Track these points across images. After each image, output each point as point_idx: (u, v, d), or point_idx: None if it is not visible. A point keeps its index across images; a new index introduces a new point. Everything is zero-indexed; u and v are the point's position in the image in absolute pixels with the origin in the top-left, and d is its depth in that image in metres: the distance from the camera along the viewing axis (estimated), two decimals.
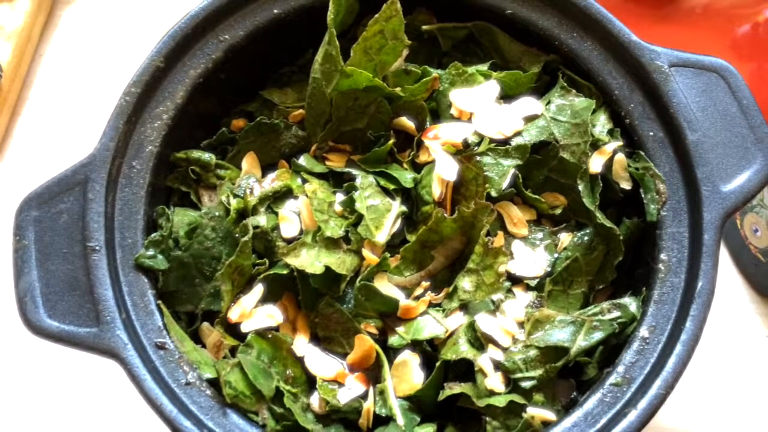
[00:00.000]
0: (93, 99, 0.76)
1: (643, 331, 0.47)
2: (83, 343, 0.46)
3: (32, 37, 0.77)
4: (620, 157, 0.52)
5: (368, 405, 0.49)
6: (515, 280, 0.53)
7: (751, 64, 0.74)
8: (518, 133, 0.53)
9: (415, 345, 0.50)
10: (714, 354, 0.66)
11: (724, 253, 0.69)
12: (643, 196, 0.51)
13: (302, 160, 0.55)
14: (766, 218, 0.63)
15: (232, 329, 0.51)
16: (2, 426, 0.66)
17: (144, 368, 0.46)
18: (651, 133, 0.51)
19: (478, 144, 0.53)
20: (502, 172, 0.52)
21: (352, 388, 0.50)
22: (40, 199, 0.49)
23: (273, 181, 0.54)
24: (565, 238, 0.53)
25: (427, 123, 0.55)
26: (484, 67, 0.56)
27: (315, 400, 0.50)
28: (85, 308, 0.47)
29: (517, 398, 0.47)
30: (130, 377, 0.45)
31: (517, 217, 0.53)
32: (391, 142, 0.54)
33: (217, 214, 0.52)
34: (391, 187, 0.53)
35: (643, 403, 0.44)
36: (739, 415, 0.65)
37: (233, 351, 0.50)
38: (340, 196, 0.53)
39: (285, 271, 0.50)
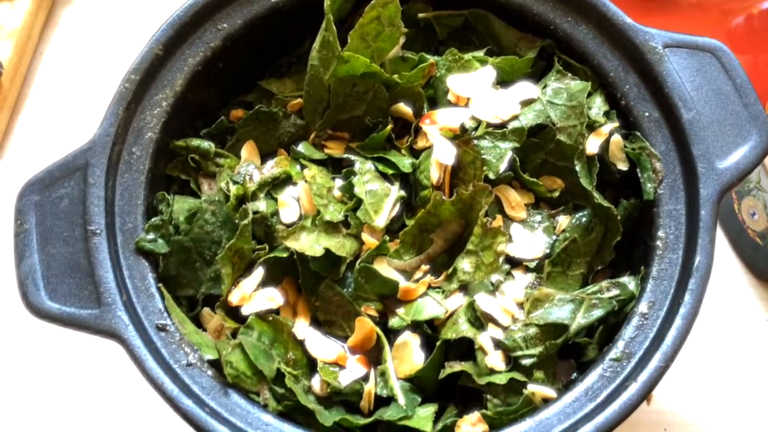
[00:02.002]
0: (92, 97, 0.76)
1: (642, 307, 0.47)
2: (85, 325, 0.46)
3: (32, 35, 0.77)
4: (616, 138, 0.52)
5: (369, 387, 0.49)
6: (514, 262, 0.53)
7: (746, 56, 0.74)
8: (515, 117, 0.54)
9: (416, 326, 0.50)
10: (714, 339, 0.66)
11: (722, 238, 0.70)
12: (639, 175, 0.51)
13: (301, 147, 0.55)
14: (764, 202, 0.63)
15: (233, 313, 0.51)
16: (4, 409, 0.66)
17: (145, 349, 0.46)
18: (646, 114, 0.52)
19: (476, 128, 0.54)
20: (500, 155, 0.53)
21: (353, 370, 0.50)
22: (41, 184, 0.49)
23: (272, 168, 0.55)
24: (564, 220, 0.54)
25: (425, 109, 0.56)
26: (480, 53, 0.56)
27: (316, 383, 0.50)
28: (86, 290, 0.47)
29: (518, 376, 0.47)
30: (132, 357, 0.46)
31: (515, 200, 0.54)
32: (389, 128, 0.54)
33: (217, 199, 0.52)
34: (390, 172, 0.54)
35: (643, 376, 0.44)
36: (740, 399, 0.65)
37: (234, 335, 0.50)
38: (339, 182, 0.54)
39: (285, 255, 0.51)
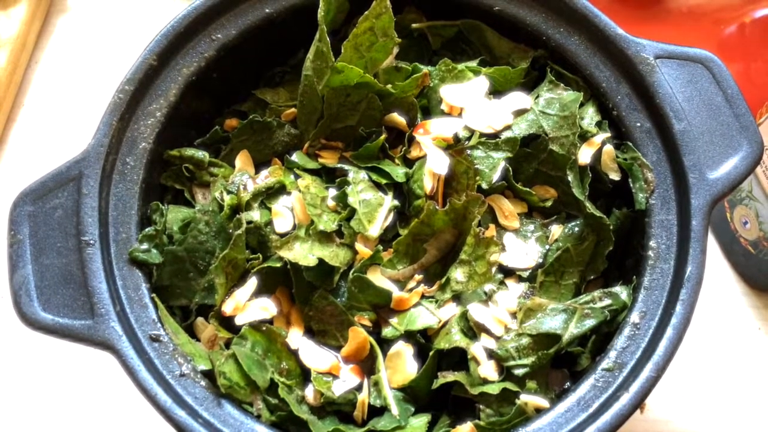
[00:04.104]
0: (87, 106, 0.77)
1: (634, 317, 0.48)
2: (78, 336, 0.46)
3: (27, 44, 0.78)
4: (608, 148, 0.53)
5: (363, 396, 0.49)
6: (507, 272, 0.53)
7: (738, 64, 0.75)
8: (508, 127, 0.54)
9: (409, 336, 0.50)
10: (707, 347, 0.66)
11: (715, 247, 0.70)
12: (631, 185, 0.51)
13: (295, 157, 0.56)
14: (755, 210, 0.64)
15: (227, 323, 0.51)
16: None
17: (138, 359, 0.46)
18: (638, 124, 0.52)
19: (469, 138, 0.54)
20: (493, 164, 0.53)
21: (347, 380, 0.50)
22: (34, 195, 0.49)
23: (266, 178, 0.55)
24: (556, 230, 0.54)
25: (418, 119, 0.56)
26: (473, 64, 0.57)
27: (310, 393, 0.50)
28: (79, 301, 0.47)
29: (511, 386, 0.47)
30: (125, 368, 0.46)
31: (508, 210, 0.54)
32: (382, 137, 0.55)
33: (210, 209, 0.52)
34: (383, 181, 0.54)
35: (635, 387, 0.44)
36: (733, 407, 0.65)
37: (228, 345, 0.50)
38: (332, 192, 0.54)
39: (278, 264, 0.51)
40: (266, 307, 0.50)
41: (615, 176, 0.53)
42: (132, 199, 0.51)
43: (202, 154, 0.55)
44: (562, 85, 0.54)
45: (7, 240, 0.49)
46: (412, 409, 0.50)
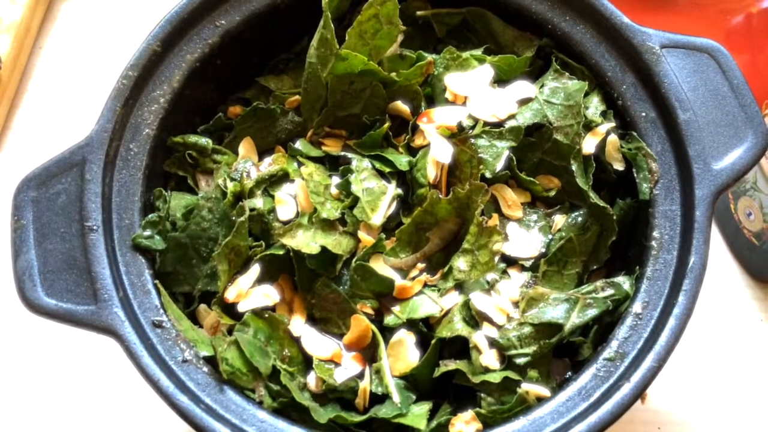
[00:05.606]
0: (91, 91, 0.76)
1: (636, 307, 0.48)
2: (81, 321, 0.47)
3: (31, 29, 0.77)
4: (613, 138, 0.52)
5: (364, 384, 0.49)
6: (510, 261, 0.53)
7: (745, 55, 0.74)
8: (512, 116, 0.54)
9: (411, 324, 0.50)
10: (710, 339, 0.66)
11: (718, 239, 0.70)
12: (635, 175, 0.51)
13: (298, 145, 0.55)
14: (759, 202, 0.64)
15: (229, 310, 0.51)
16: (0, 404, 0.67)
17: (141, 345, 0.46)
18: (643, 114, 0.52)
19: (473, 127, 0.54)
20: (497, 153, 0.53)
21: (349, 367, 0.50)
22: (38, 180, 0.49)
23: (270, 165, 0.55)
24: (560, 220, 0.54)
25: (422, 107, 0.56)
26: (478, 52, 0.57)
27: (311, 380, 0.50)
28: (82, 286, 0.47)
29: (512, 374, 0.48)
30: (128, 354, 0.46)
31: (511, 199, 0.54)
32: (386, 126, 0.54)
33: (213, 196, 0.52)
34: (387, 170, 0.54)
35: (636, 377, 0.44)
36: (734, 399, 0.65)
37: (230, 331, 0.50)
38: (335, 179, 0.54)
39: (281, 252, 0.51)
40: (269, 295, 0.51)
41: (619, 166, 0.53)
42: (135, 185, 0.51)
43: (205, 141, 0.55)
44: (567, 74, 0.54)
45: (10, 225, 0.49)
46: (414, 397, 0.50)
